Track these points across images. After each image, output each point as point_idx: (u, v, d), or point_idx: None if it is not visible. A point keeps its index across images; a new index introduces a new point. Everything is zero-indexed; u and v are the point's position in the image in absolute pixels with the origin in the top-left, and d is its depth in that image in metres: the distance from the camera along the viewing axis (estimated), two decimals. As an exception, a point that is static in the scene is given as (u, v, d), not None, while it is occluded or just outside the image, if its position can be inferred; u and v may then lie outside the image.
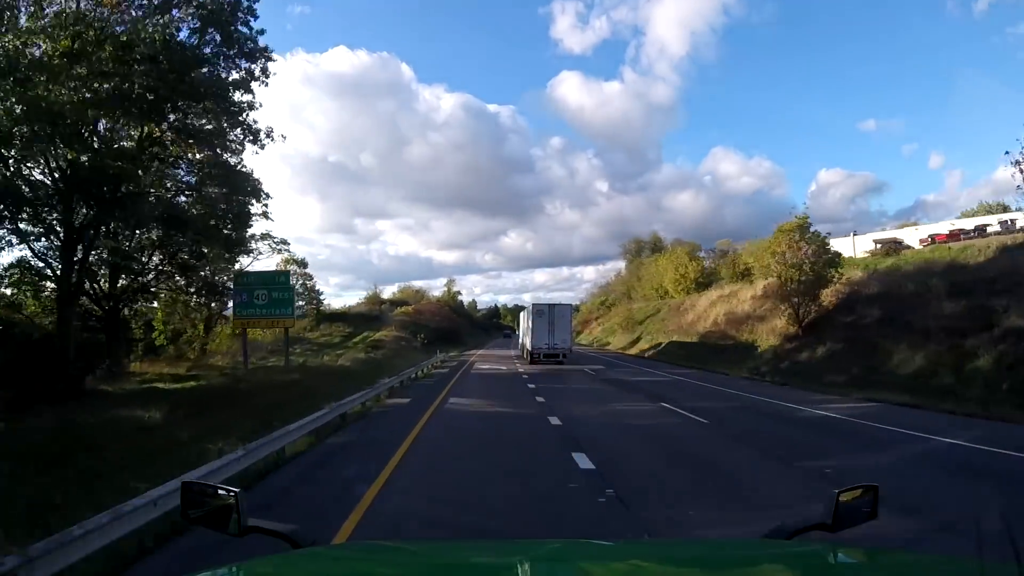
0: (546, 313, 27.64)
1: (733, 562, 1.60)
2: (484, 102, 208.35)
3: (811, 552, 1.57)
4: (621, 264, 79.13)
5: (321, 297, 49.76)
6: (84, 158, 14.11)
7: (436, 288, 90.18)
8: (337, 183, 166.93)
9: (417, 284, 79.82)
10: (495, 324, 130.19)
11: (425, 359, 26.67)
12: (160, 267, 20.43)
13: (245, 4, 15.99)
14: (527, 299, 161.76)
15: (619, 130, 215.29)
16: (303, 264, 49.82)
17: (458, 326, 63.08)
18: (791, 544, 1.60)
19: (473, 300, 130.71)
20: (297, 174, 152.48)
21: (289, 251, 40.06)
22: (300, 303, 46.45)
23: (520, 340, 36.67)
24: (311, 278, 50.10)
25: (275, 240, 40.63)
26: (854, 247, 32.14)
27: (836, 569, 1.44)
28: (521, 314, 39.67)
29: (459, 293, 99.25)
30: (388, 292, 71.19)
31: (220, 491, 1.59)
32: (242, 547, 1.77)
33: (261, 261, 28.68)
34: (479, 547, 2.10)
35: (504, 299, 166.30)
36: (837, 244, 26.32)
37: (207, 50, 15.74)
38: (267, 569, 1.44)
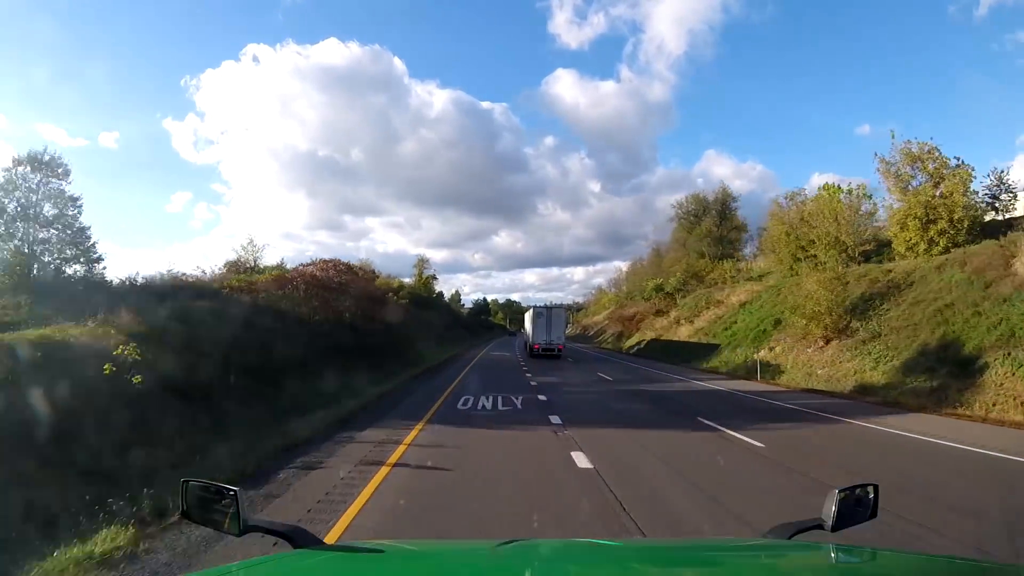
0: (544, 315, 33.19)
1: (733, 562, 1.60)
2: (477, 99, 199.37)
3: (811, 552, 1.58)
4: (617, 263, 56.97)
5: (94, 245, 19.89)
6: None
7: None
8: (326, 179, 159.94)
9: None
10: (484, 322, 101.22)
11: None
12: None
13: None
14: (516, 299, 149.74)
15: (613, 130, 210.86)
16: (35, 163, 19.74)
17: (411, 324, 29.46)
18: (791, 544, 1.59)
19: (457, 291, 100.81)
20: (286, 169, 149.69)
21: None
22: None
23: (525, 339, 41.67)
24: (73, 203, 20.45)
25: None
26: None
27: (836, 569, 1.44)
28: (526, 315, 42.55)
29: (434, 278, 67.87)
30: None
31: (220, 490, 1.53)
32: (242, 547, 1.74)
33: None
34: (479, 547, 1.99)
35: (494, 297, 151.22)
36: None
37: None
38: (267, 569, 1.43)
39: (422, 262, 65.10)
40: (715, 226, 52.48)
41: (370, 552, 1.67)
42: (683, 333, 34.05)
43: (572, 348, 50.29)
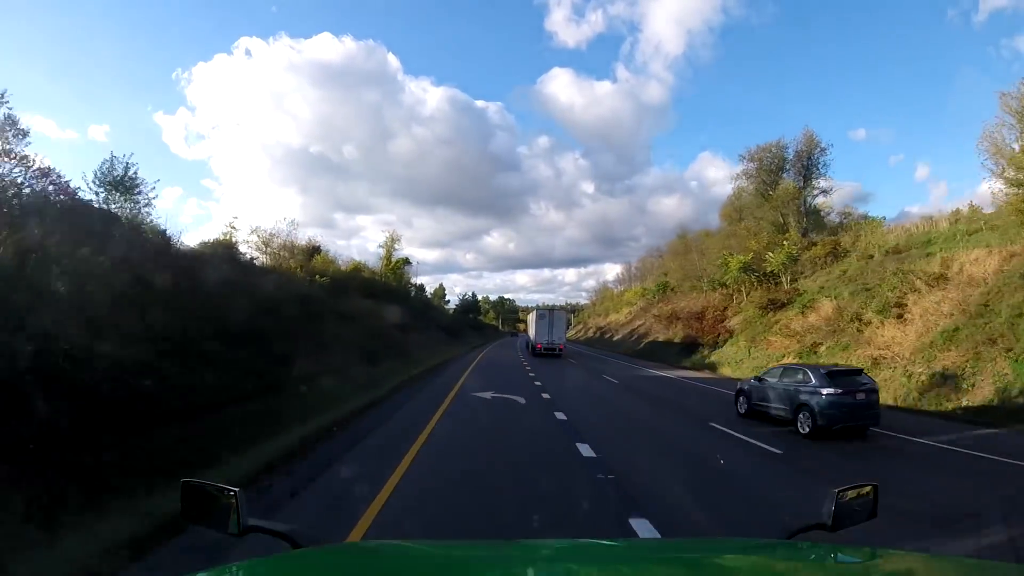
0: (546, 316, 35.24)
1: (733, 562, 1.55)
2: (472, 97, 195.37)
3: (811, 552, 1.53)
4: (606, 266, 49.18)
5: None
6: None
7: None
8: (318, 175, 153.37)
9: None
10: (472, 322, 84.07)
11: None
12: None
13: None
14: (510, 298, 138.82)
15: (608, 131, 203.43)
16: None
17: (308, 326, 14.69)
18: (791, 544, 1.59)
19: (441, 285, 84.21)
20: (277, 164, 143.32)
21: None
22: None
23: (527, 339, 43.76)
24: None
25: None
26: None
27: (836, 569, 1.41)
28: (529, 316, 44.67)
29: (407, 262, 50.62)
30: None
31: (220, 490, 1.48)
32: (242, 547, 1.67)
33: None
34: (481, 547, 2.00)
35: (485, 295, 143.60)
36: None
37: None
38: (267, 569, 1.38)
39: (391, 241, 47.70)
40: (799, 189, 37.29)
41: (370, 552, 1.63)
42: (905, 339, 16.50)
43: (617, 366, 32.91)
